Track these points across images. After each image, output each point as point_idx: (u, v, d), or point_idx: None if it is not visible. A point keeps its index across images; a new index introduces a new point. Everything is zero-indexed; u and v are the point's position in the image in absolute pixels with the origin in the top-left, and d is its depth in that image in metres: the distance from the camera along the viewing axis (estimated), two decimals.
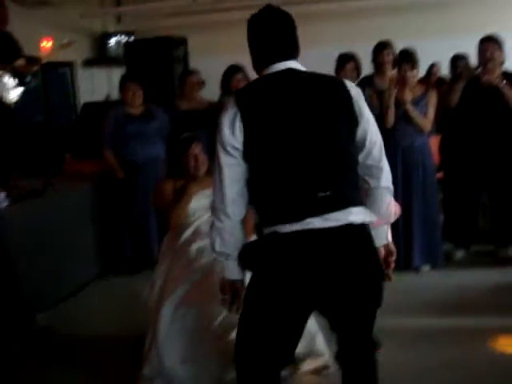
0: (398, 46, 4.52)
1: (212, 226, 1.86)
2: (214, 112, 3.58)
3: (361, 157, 1.86)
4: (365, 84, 4.33)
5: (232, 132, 1.75)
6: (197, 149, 3.11)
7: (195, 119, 4.51)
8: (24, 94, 4.74)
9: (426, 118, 4.15)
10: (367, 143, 1.84)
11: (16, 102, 4.60)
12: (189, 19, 9.93)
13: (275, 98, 1.79)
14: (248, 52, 1.94)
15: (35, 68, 4.77)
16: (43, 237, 3.84)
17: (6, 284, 3.53)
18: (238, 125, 1.74)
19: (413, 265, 4.17)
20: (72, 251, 4.21)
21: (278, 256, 1.76)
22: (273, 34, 1.85)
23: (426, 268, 4.25)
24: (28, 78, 4.72)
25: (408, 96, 4.06)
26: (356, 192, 1.84)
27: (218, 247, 1.85)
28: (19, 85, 4.64)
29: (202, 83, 4.97)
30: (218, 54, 9.06)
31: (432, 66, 5.80)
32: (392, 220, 2.01)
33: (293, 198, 1.75)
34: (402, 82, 4.09)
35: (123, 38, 10.25)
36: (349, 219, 1.73)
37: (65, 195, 4.37)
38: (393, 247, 1.97)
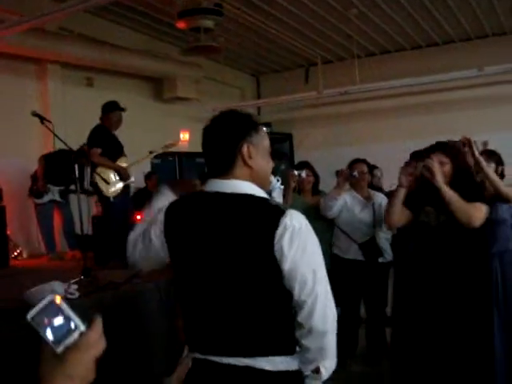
0: None
1: None
2: None
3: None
4: None
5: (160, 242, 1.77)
6: None
7: None
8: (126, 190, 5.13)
9: None
10: (296, 294, 1.58)
11: (115, 197, 4.98)
12: (315, 111, 10.17)
13: (192, 224, 1.70)
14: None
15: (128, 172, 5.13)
16: None
17: None
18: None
19: None
20: None
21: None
22: (207, 148, 1.74)
23: None
24: (132, 179, 5.12)
25: None
26: (267, 340, 1.61)
27: None
28: (121, 180, 5.04)
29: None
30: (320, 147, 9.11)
31: None
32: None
33: (197, 329, 1.71)
34: None
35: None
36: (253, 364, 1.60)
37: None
38: None
